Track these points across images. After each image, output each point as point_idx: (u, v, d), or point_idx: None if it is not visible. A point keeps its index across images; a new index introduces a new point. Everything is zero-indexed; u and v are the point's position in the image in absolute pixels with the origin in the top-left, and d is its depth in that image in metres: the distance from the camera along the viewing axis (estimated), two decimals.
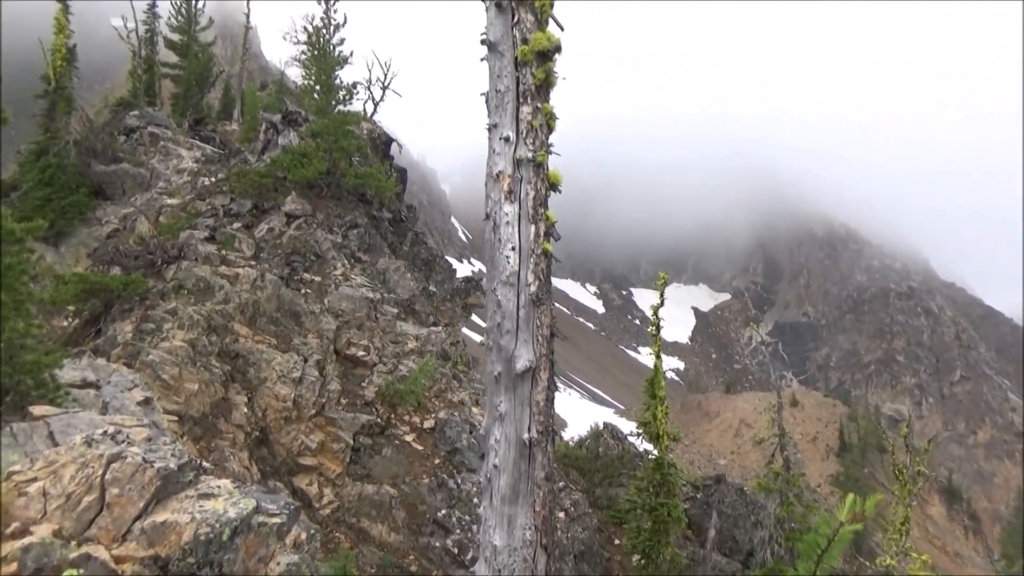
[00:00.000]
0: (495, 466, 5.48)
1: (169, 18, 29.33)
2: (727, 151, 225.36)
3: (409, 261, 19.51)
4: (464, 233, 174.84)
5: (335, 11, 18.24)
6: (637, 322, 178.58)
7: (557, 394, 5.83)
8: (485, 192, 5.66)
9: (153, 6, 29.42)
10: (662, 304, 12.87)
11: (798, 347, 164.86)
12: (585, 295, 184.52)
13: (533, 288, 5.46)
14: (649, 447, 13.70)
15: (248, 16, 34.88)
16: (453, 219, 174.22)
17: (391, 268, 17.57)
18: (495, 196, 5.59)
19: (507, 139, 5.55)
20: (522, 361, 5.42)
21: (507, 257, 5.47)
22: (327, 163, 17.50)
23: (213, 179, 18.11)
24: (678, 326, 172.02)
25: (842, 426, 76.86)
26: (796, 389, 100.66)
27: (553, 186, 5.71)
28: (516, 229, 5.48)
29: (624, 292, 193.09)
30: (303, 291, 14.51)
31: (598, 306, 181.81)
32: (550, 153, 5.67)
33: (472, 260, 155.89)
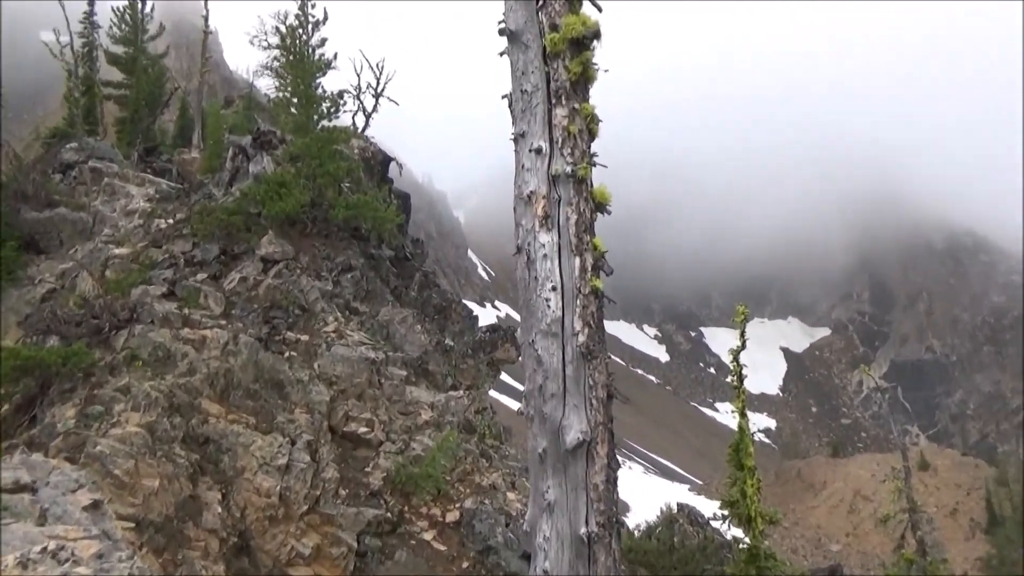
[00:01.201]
0: (545, 571, 5.36)
1: (111, 27, 29.41)
2: (814, 151, 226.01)
3: (418, 309, 19.58)
4: (485, 270, 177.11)
5: (312, 6, 18.61)
6: (712, 371, 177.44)
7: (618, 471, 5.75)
8: (514, 219, 5.68)
9: (91, 14, 29.81)
10: (743, 346, 12.71)
11: (923, 392, 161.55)
12: (643, 340, 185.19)
13: (582, 337, 5.43)
14: (739, 533, 13.36)
15: (206, 19, 34.88)
16: (470, 253, 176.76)
17: (396, 319, 17.62)
18: (527, 223, 5.59)
19: (539, 151, 5.57)
20: (573, 433, 5.36)
21: (547, 300, 5.46)
22: (311, 193, 17.77)
23: (170, 221, 18.46)
24: (766, 373, 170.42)
25: (989, 493, 74.59)
26: (925, 447, 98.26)
27: (600, 206, 5.70)
28: (556, 263, 5.48)
29: (693, 334, 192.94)
30: (287, 354, 14.59)
31: (660, 353, 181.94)
32: (594, 165, 5.69)
33: (497, 303, 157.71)
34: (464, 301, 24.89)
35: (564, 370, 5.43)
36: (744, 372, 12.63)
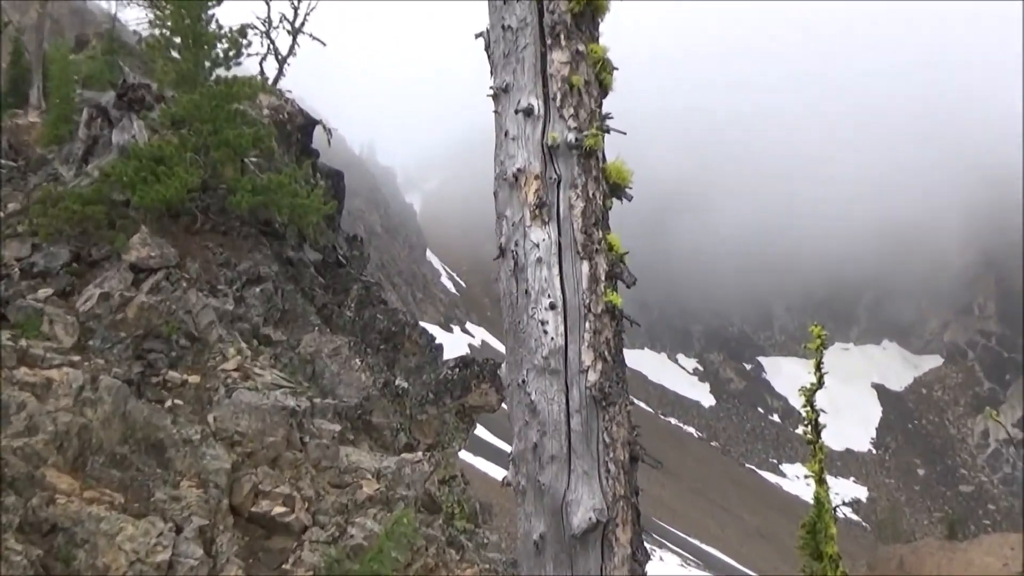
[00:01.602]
0: None
1: None
2: (919, 111, 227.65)
3: (357, 336, 19.63)
4: (451, 278, 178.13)
5: None
6: (775, 418, 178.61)
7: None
8: (495, 208, 5.70)
9: None
10: (821, 384, 12.72)
11: None
12: (679, 376, 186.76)
13: (594, 375, 5.48)
14: None
15: None
16: (430, 255, 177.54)
17: (325, 351, 17.64)
18: (514, 214, 5.62)
19: (529, 111, 5.60)
20: (583, 512, 5.37)
21: (543, 323, 5.51)
22: (201, 172, 17.78)
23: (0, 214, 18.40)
24: (853, 420, 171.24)
25: None
26: None
27: (617, 189, 5.76)
28: (556, 271, 5.53)
29: (748, 366, 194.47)
30: (169, 403, 14.57)
31: (703, 394, 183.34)
32: (607, 131, 5.73)
33: (469, 326, 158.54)
34: (422, 324, 24.95)
35: (568, 422, 5.45)
36: (822, 420, 12.68)
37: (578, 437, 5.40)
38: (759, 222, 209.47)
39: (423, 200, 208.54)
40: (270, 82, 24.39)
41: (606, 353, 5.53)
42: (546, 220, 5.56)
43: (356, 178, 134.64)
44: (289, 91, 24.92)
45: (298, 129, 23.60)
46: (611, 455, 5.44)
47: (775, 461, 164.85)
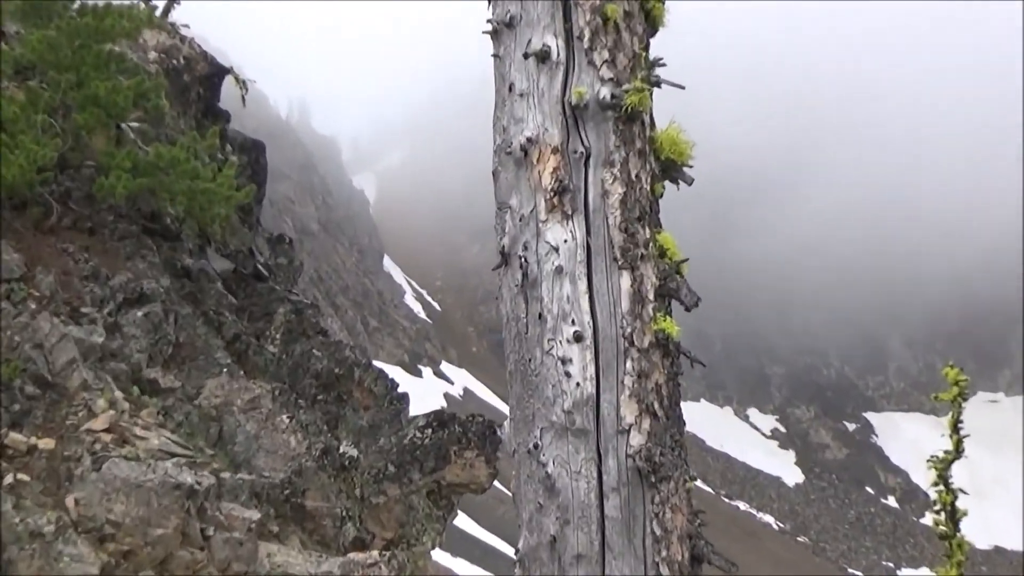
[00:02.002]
0: None
1: None
2: None
3: (284, 381, 19.69)
4: (419, 296, 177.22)
5: None
6: (891, 501, 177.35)
7: None
8: (495, 197, 5.73)
9: None
10: (959, 452, 12.88)
11: None
12: (750, 439, 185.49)
13: (638, 438, 5.50)
14: None
15: None
16: (389, 263, 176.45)
17: (238, 402, 17.68)
18: (521, 204, 5.68)
19: (544, 56, 5.64)
20: None
21: (564, 362, 5.55)
22: (59, 143, 17.77)
23: None
24: (1003, 503, 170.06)
25: None
26: None
27: (671, 169, 5.80)
28: (583, 287, 5.60)
29: (851, 426, 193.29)
30: (9, 478, 14.56)
31: (785, 465, 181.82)
32: (657, 85, 5.75)
33: (445, 366, 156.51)
34: (378, 364, 24.97)
35: (602, 506, 5.52)
36: (960, 504, 12.72)
37: (616, 527, 5.43)
38: (865, 222, 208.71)
39: (379, 183, 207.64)
40: (160, 13, 24.42)
41: (656, 405, 5.55)
42: (569, 213, 5.62)
43: (284, 153, 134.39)
44: (186, 26, 24.93)
45: (200, 81, 23.61)
46: (664, 554, 5.44)
47: (891, 565, 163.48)
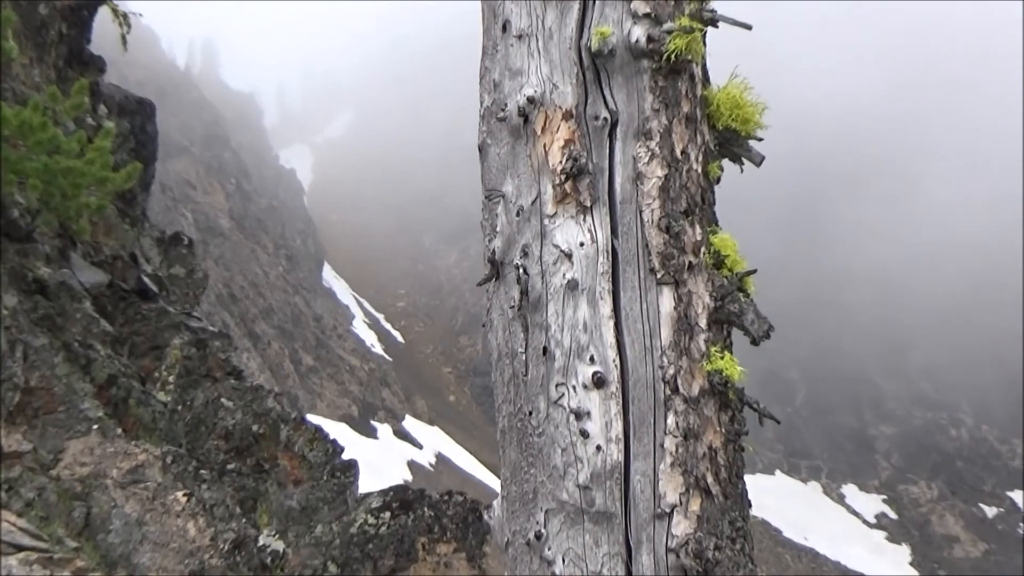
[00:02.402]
0: None
1: None
2: None
3: (182, 442, 19.78)
4: (373, 322, 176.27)
5: None
6: None
7: None
8: (482, 181, 5.77)
9: None
10: None
11: None
12: (847, 528, 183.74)
13: (685, 525, 5.54)
14: None
15: None
16: (331, 275, 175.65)
17: (113, 471, 17.78)
18: (519, 191, 5.76)
19: None
20: None
21: (578, 416, 5.57)
22: None
23: None
24: None
25: None
26: None
27: (732, 142, 5.84)
28: (606, 309, 5.68)
29: (991, 509, 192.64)
30: None
31: (898, 568, 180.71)
32: (711, 23, 5.80)
33: (410, 422, 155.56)
34: (314, 419, 24.93)
35: None
36: None
37: None
38: (1010, 222, 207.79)
39: (317, 161, 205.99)
40: None
41: (709, 479, 5.59)
42: (587, 204, 5.69)
43: (182, 117, 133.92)
44: None
45: (63, 15, 23.67)
46: None
47: None
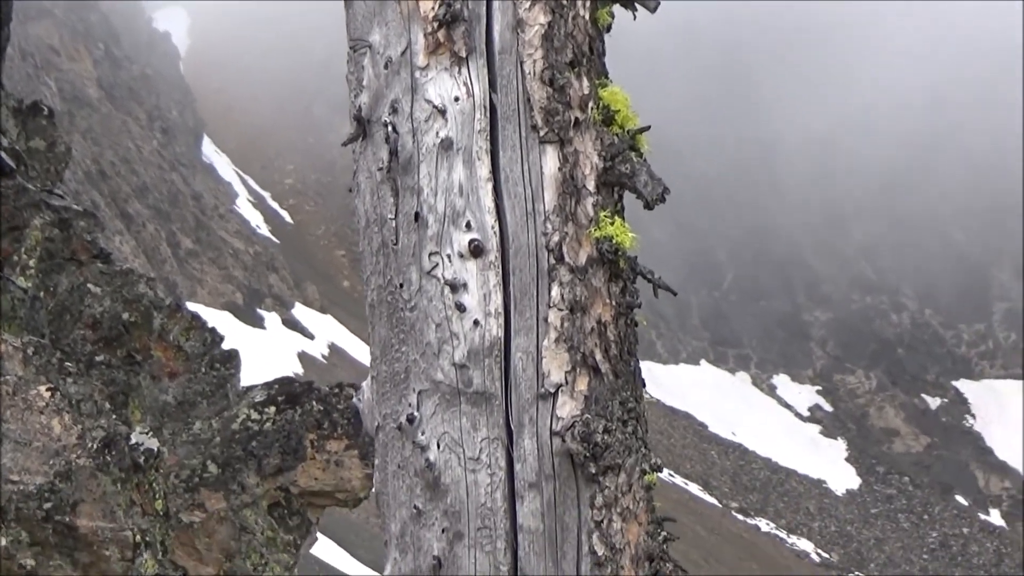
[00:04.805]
0: None
1: None
2: None
3: (44, 331, 19.77)
4: (258, 200, 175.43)
5: None
6: (991, 517, 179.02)
7: None
8: (347, 31, 5.73)
9: None
10: None
11: None
12: (777, 421, 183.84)
13: (570, 406, 5.55)
14: None
15: None
16: (210, 148, 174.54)
17: None
18: (386, 40, 5.73)
19: None
20: None
21: (453, 288, 5.59)
22: None
23: None
24: None
25: None
26: None
27: None
28: (484, 170, 5.67)
29: (932, 400, 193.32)
30: None
31: (832, 466, 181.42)
32: None
33: (299, 309, 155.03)
34: (192, 306, 24.88)
35: (513, 514, 5.62)
36: None
37: (535, 544, 5.53)
38: (959, 91, 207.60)
39: (194, 23, 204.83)
40: None
41: (597, 355, 5.59)
42: (462, 55, 5.65)
43: None
44: None
45: None
46: None
47: None
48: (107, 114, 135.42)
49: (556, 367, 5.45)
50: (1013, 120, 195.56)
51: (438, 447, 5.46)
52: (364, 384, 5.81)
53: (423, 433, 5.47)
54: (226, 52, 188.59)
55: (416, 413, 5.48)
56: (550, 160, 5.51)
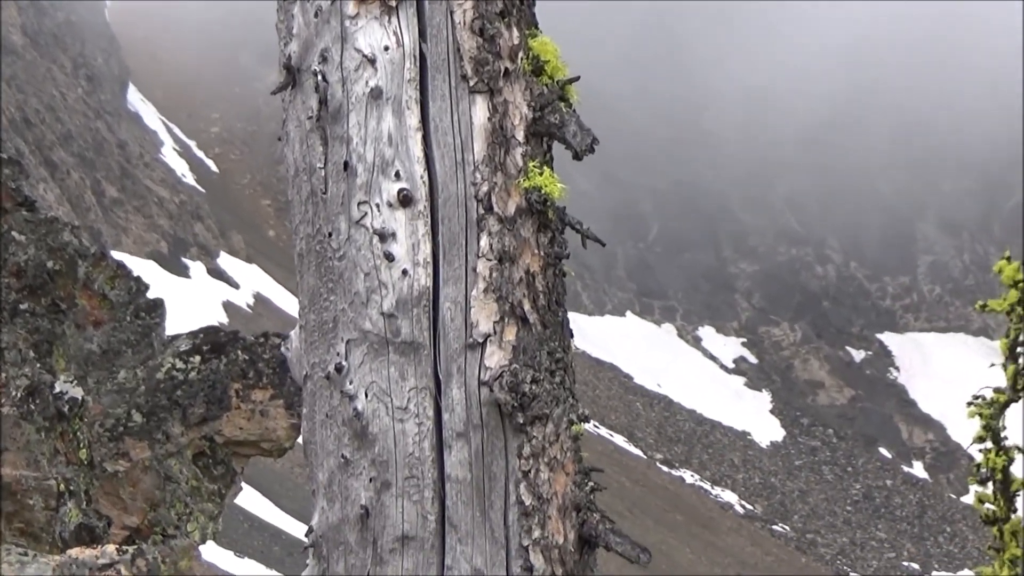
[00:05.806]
0: None
1: None
2: None
3: None
4: (183, 149, 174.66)
5: None
6: (913, 469, 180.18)
7: None
8: None
9: None
10: (1019, 393, 13.10)
11: None
12: (701, 372, 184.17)
13: (498, 356, 5.59)
14: None
15: None
16: (136, 96, 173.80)
17: None
18: None
19: None
20: None
21: (382, 237, 5.57)
22: None
23: None
24: None
25: None
26: None
27: None
28: (413, 120, 5.65)
29: (856, 352, 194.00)
30: None
31: (757, 417, 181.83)
32: None
33: (224, 259, 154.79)
34: (117, 255, 24.80)
35: (441, 460, 5.63)
36: (1021, 472, 12.95)
37: (462, 494, 5.53)
38: (886, 43, 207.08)
39: None
40: None
41: (525, 305, 5.61)
42: (392, 3, 5.61)
43: None
44: None
45: None
46: (536, 534, 5.48)
47: (916, 566, 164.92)
48: (31, 61, 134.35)
49: (484, 317, 5.45)
50: (940, 75, 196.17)
51: (366, 396, 5.46)
52: (292, 333, 5.80)
53: (351, 382, 5.47)
54: None
55: (344, 362, 5.48)
56: (480, 110, 5.51)
